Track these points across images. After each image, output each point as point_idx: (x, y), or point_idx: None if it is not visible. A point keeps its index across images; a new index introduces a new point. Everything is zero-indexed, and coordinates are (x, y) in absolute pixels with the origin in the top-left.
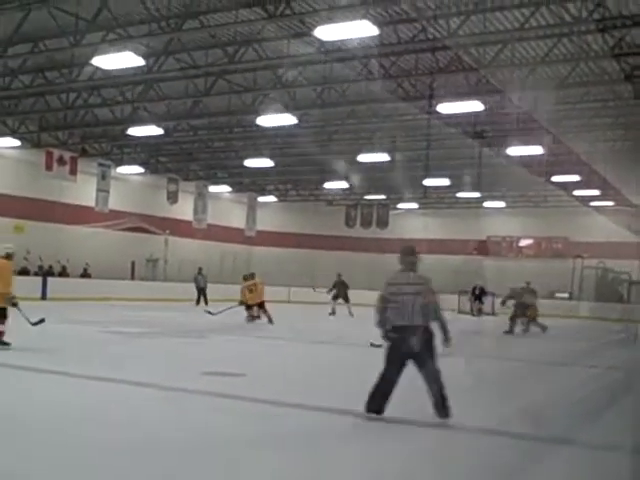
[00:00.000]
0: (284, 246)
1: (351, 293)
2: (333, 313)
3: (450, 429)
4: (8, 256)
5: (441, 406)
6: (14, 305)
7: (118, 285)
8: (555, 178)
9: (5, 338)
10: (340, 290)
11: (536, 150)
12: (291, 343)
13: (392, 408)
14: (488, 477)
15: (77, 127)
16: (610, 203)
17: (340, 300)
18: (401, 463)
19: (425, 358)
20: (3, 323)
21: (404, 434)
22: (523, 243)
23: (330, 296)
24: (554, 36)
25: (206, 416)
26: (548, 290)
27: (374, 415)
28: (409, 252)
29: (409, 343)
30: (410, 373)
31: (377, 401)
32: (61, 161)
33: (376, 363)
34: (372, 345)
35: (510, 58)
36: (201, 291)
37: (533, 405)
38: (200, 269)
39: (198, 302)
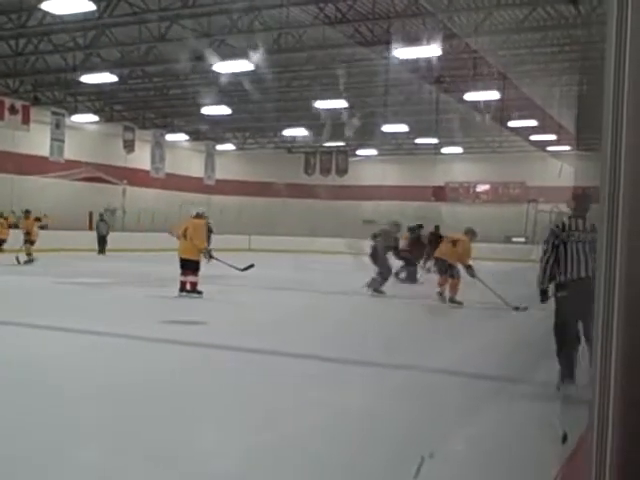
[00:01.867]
0: (244, 194)
1: (312, 241)
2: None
3: (406, 369)
4: (199, 216)
5: None
6: (211, 257)
7: (75, 236)
8: (512, 123)
9: None
10: None
11: (493, 95)
12: (253, 290)
13: (355, 351)
14: (439, 415)
15: (28, 75)
16: (567, 148)
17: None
18: (360, 402)
19: None
20: (196, 275)
21: (362, 375)
22: (480, 188)
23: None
24: None
25: (164, 364)
26: (505, 235)
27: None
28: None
29: None
30: None
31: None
32: (13, 110)
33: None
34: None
35: (467, 2)
36: (101, 239)
37: (487, 346)
38: (101, 215)
39: (100, 251)
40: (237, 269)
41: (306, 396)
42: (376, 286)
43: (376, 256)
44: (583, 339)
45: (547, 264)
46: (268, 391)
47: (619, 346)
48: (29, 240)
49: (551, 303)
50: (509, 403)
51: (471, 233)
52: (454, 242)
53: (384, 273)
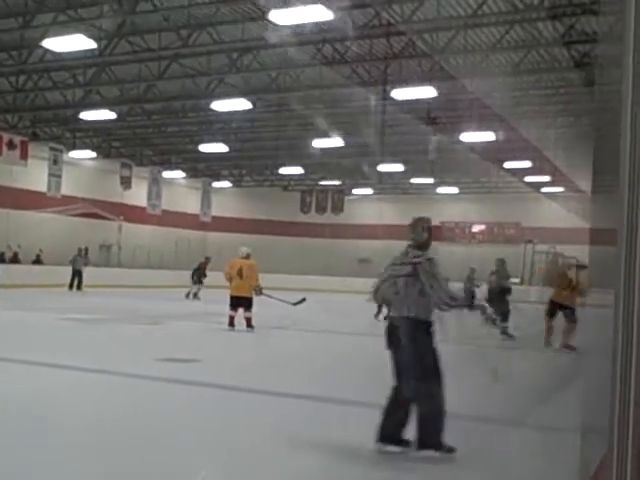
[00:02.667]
0: (239, 232)
1: (306, 279)
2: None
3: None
4: (248, 255)
5: None
6: (261, 293)
7: (71, 271)
8: (507, 164)
9: None
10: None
11: (488, 136)
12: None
13: (357, 392)
14: (439, 458)
15: (27, 110)
16: (560, 189)
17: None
18: (360, 441)
19: None
20: (251, 311)
21: (361, 416)
22: (476, 229)
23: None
24: (506, 23)
25: (155, 402)
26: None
27: None
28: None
29: None
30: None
31: None
32: (11, 145)
33: (328, 349)
34: None
35: (463, 44)
36: (76, 273)
37: (482, 388)
38: (80, 250)
39: (71, 286)
40: (289, 303)
41: None
42: (505, 330)
43: (493, 297)
44: None
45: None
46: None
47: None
48: None
49: None
50: None
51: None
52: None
53: (506, 314)
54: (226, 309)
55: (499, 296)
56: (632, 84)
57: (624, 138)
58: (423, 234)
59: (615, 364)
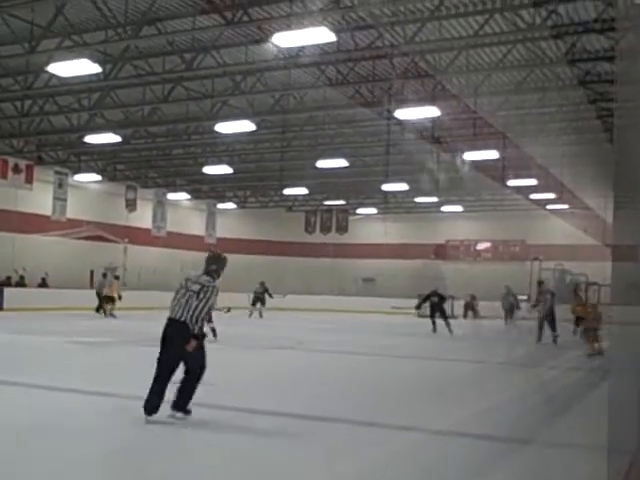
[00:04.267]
0: (244, 253)
1: (312, 299)
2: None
3: (412, 431)
4: None
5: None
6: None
7: (77, 294)
8: (511, 182)
9: None
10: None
11: (492, 155)
12: (259, 351)
13: (358, 411)
14: (449, 477)
15: (33, 135)
16: (566, 206)
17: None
18: (363, 465)
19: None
20: (212, 322)
21: (368, 437)
22: (481, 246)
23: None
24: (508, 42)
25: (170, 426)
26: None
27: None
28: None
29: None
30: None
31: None
32: (16, 169)
33: (338, 368)
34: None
35: (465, 64)
36: (100, 296)
37: (492, 406)
38: (104, 275)
39: (98, 310)
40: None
41: None
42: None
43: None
44: None
45: None
46: None
47: None
48: None
49: None
50: None
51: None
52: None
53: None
54: (225, 330)
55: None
56: None
57: None
58: None
59: None
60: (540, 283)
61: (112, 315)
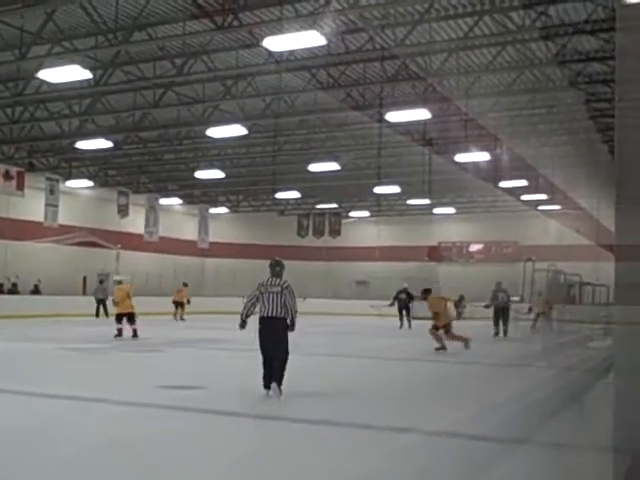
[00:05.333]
0: (237, 257)
1: (306, 302)
2: None
3: (408, 432)
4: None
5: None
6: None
7: (70, 301)
8: (503, 183)
9: None
10: None
11: (483, 156)
12: (248, 354)
13: (354, 414)
14: (445, 478)
15: (24, 141)
16: (558, 207)
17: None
18: (361, 467)
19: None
20: (135, 323)
21: (364, 439)
22: (473, 248)
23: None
24: (498, 44)
25: (159, 430)
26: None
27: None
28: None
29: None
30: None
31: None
32: (8, 176)
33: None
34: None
35: (456, 66)
36: (100, 302)
37: (489, 406)
38: (101, 281)
39: (97, 315)
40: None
41: None
42: None
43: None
44: None
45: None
46: None
47: None
48: None
49: None
50: None
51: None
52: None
53: None
54: (219, 335)
55: None
56: None
57: None
58: None
59: None
60: (498, 284)
61: (182, 319)
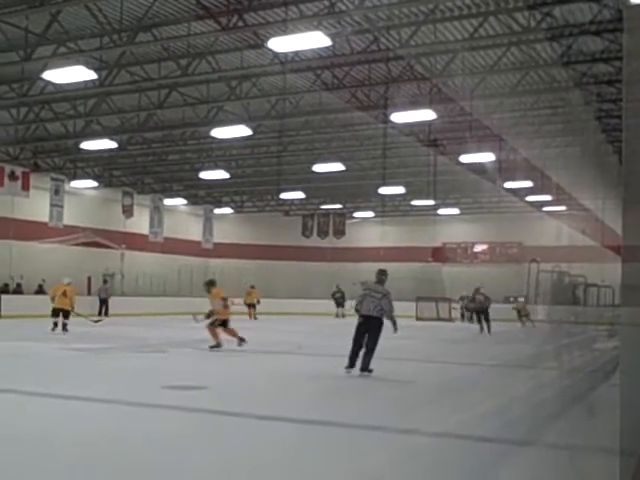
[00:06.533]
0: (241, 257)
1: (308, 303)
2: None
3: (413, 434)
4: (69, 284)
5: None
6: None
7: (99, 301)
8: (508, 184)
9: None
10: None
11: (488, 157)
12: (251, 355)
13: (360, 415)
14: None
15: (29, 142)
16: (563, 208)
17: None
18: (367, 468)
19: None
20: (68, 319)
21: (370, 440)
22: (478, 249)
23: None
24: (503, 45)
25: (163, 430)
26: (503, 295)
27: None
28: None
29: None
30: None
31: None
32: (13, 176)
33: (338, 372)
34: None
35: (461, 67)
36: (103, 302)
37: (493, 408)
38: (105, 281)
39: (100, 314)
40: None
41: None
42: None
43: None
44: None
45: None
46: None
47: None
48: None
49: None
50: None
51: None
52: None
53: None
54: (223, 335)
55: None
56: None
57: None
58: None
59: None
60: (477, 289)
61: (255, 318)
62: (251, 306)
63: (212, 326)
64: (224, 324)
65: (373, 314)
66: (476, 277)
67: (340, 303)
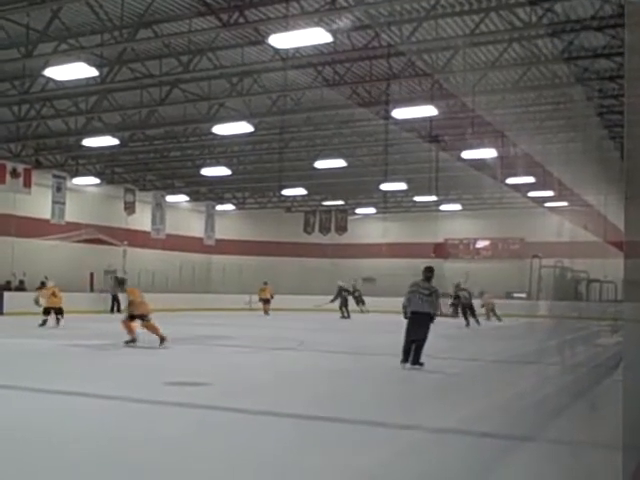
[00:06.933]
0: (243, 254)
1: (310, 299)
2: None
3: (415, 429)
4: (55, 286)
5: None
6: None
7: (77, 297)
8: (510, 180)
9: None
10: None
11: (490, 153)
12: (255, 350)
13: (361, 411)
14: (454, 476)
15: (30, 139)
16: (565, 203)
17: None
18: (368, 464)
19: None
20: (62, 315)
21: (371, 436)
22: (480, 245)
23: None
24: (504, 41)
25: (168, 427)
26: (505, 290)
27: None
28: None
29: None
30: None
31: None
32: (15, 173)
33: (340, 368)
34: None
35: (462, 63)
36: (115, 299)
37: (496, 403)
38: (117, 278)
39: (112, 310)
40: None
41: None
42: None
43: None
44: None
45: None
46: None
47: None
48: None
49: None
50: None
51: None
52: None
53: None
54: (225, 332)
55: None
56: None
57: None
58: None
59: None
60: (457, 284)
61: (267, 314)
62: (265, 301)
63: (127, 321)
64: (141, 318)
65: (423, 310)
66: (478, 273)
67: (361, 300)
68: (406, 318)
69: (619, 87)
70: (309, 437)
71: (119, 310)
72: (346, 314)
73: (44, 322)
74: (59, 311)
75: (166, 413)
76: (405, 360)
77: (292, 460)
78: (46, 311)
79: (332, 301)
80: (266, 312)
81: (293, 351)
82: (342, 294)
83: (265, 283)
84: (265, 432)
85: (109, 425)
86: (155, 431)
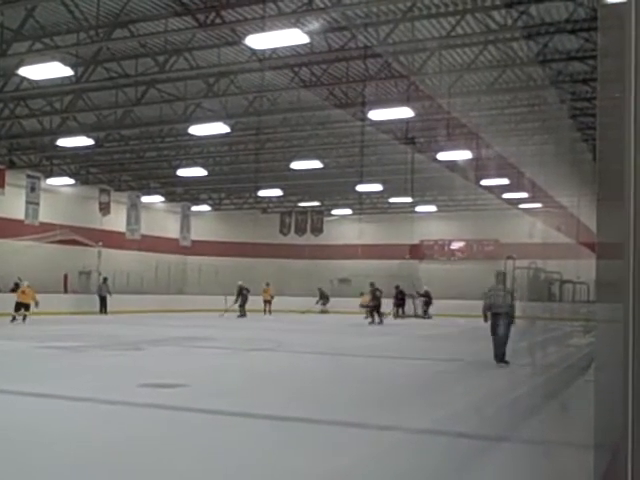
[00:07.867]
0: (219, 255)
1: (288, 300)
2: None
3: (392, 430)
4: (29, 286)
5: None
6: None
7: (50, 299)
8: (484, 182)
9: None
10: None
11: (465, 155)
12: (231, 352)
13: (339, 412)
14: (429, 476)
15: (4, 139)
16: (538, 205)
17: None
18: (344, 463)
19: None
20: (29, 311)
21: (350, 437)
22: (455, 246)
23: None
24: (480, 43)
25: (141, 429)
26: (481, 292)
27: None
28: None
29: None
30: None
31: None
32: None
33: (317, 369)
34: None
35: (438, 65)
36: (103, 300)
37: (471, 404)
38: (104, 279)
39: (101, 311)
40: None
41: None
42: None
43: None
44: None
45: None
46: None
47: None
48: None
49: None
50: None
51: None
52: None
53: None
54: (202, 333)
55: None
56: (634, 97)
57: (628, 153)
58: None
59: (626, 381)
60: (397, 286)
61: (269, 313)
62: (267, 302)
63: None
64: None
65: (503, 310)
66: (453, 274)
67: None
68: (485, 320)
69: (592, 90)
70: (286, 438)
71: (105, 311)
72: (244, 312)
73: (14, 318)
74: (26, 307)
75: (139, 415)
76: (500, 360)
77: (269, 461)
78: (17, 307)
79: (236, 302)
80: (269, 312)
81: (271, 352)
82: (242, 293)
83: (267, 284)
84: (242, 433)
85: (80, 427)
86: (127, 433)
